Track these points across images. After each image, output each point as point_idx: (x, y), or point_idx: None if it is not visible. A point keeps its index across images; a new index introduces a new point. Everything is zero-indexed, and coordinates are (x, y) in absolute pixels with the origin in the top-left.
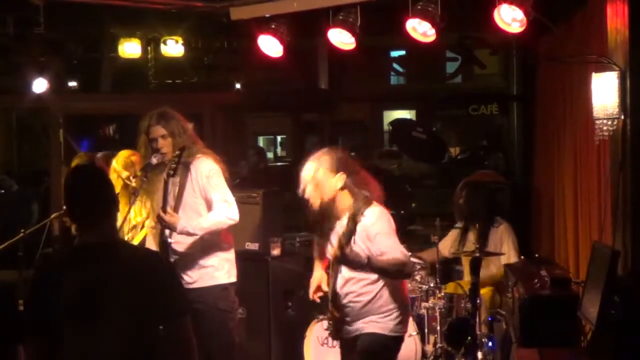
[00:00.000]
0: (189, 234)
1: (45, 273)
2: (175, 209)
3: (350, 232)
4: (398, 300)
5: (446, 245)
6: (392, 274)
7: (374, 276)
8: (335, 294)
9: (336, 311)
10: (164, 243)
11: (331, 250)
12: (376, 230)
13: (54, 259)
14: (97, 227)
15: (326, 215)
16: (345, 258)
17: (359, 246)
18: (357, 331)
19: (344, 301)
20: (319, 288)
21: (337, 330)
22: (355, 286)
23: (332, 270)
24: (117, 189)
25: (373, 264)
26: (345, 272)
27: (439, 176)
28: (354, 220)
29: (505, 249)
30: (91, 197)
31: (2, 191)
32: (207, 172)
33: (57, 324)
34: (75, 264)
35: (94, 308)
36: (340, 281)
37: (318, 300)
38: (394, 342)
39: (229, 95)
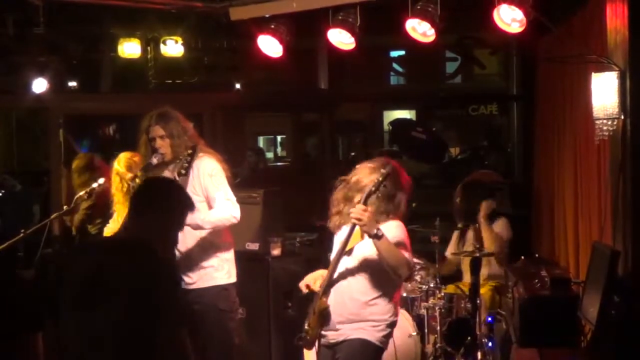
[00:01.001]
0: (197, 226)
1: (58, 261)
2: None
3: (371, 190)
4: (389, 314)
5: (452, 250)
6: (393, 261)
7: (378, 280)
8: (329, 286)
9: (325, 303)
10: None
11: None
12: (392, 236)
13: (70, 248)
14: (132, 224)
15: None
16: (364, 216)
17: (368, 246)
18: (342, 337)
19: (338, 298)
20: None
21: (313, 341)
22: (357, 283)
23: (333, 261)
24: (119, 191)
25: (383, 239)
26: (351, 263)
27: (439, 176)
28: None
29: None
30: (144, 197)
31: (2, 191)
32: (210, 171)
33: (62, 311)
34: (86, 254)
35: (94, 298)
36: (341, 271)
37: (305, 291)
38: (377, 351)
39: (229, 95)
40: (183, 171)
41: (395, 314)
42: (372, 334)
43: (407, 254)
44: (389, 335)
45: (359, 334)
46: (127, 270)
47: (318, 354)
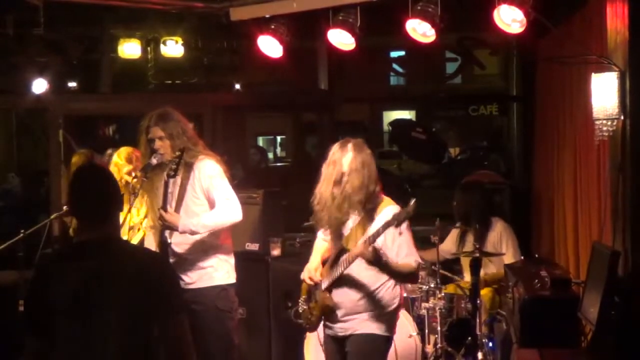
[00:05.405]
0: (191, 232)
1: (42, 270)
2: (176, 210)
3: (379, 231)
4: (394, 300)
5: (447, 247)
6: (401, 279)
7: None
8: (335, 281)
9: (330, 300)
10: (163, 244)
11: (345, 243)
12: (401, 230)
13: (51, 256)
14: (98, 225)
15: (342, 208)
16: (371, 255)
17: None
18: (349, 330)
19: (344, 293)
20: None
21: (316, 324)
22: (363, 276)
23: (341, 260)
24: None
25: (389, 266)
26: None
27: (439, 176)
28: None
29: (504, 248)
30: (94, 194)
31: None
32: (210, 173)
33: (54, 321)
34: (72, 260)
35: (90, 305)
36: (345, 267)
37: (309, 282)
38: (387, 342)
39: (229, 95)
40: (172, 172)
41: (400, 298)
42: (379, 326)
43: (412, 256)
44: (395, 322)
45: (365, 327)
46: (122, 270)
47: (326, 345)
